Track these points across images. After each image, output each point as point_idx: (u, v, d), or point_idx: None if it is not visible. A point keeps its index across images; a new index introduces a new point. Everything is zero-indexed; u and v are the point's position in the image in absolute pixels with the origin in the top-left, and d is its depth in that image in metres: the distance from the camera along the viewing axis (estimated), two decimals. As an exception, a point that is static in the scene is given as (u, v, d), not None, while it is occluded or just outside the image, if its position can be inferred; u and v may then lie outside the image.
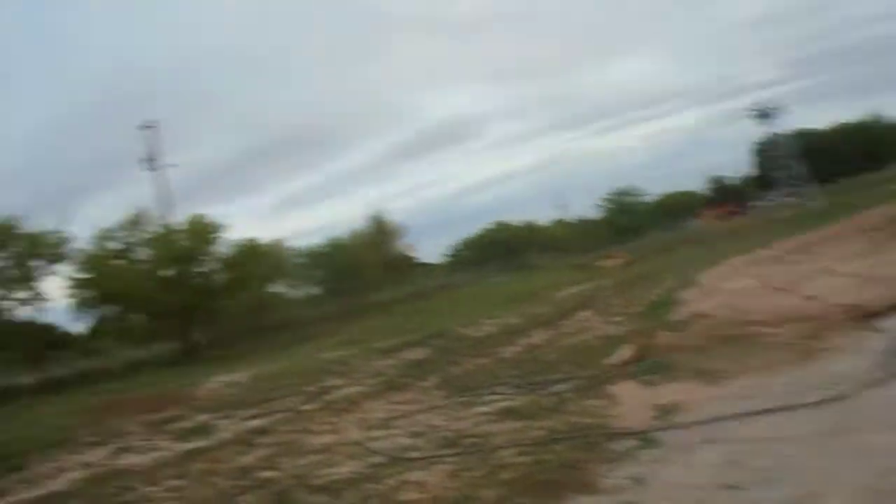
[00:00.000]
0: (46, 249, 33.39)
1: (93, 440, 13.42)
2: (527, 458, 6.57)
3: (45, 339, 36.84)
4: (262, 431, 10.99)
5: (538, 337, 14.26)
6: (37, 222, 33.83)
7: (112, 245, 35.68)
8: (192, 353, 33.34)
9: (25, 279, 32.83)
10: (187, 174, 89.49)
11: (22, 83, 78.21)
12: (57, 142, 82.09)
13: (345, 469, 7.64)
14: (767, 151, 66.81)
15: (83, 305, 34.60)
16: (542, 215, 79.48)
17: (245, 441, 10.50)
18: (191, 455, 10.52)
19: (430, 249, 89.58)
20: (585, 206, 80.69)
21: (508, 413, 8.56)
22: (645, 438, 6.72)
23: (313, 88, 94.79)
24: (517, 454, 6.80)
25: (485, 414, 8.87)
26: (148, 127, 45.62)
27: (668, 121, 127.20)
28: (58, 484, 10.37)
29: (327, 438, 9.47)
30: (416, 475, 6.82)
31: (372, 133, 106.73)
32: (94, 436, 13.81)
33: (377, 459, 7.73)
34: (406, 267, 58.73)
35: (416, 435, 8.53)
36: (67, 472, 11.13)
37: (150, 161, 45.27)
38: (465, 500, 5.82)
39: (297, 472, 7.92)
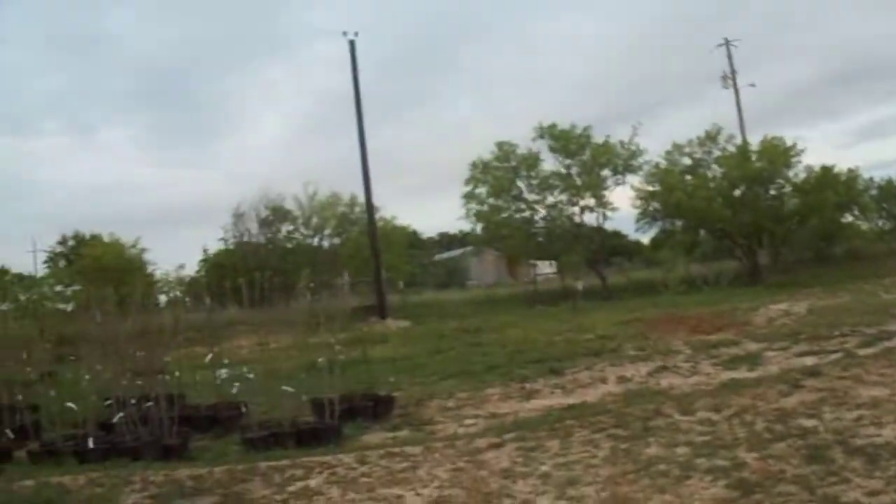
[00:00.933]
0: (617, 159, 35.37)
1: (636, 354, 13.91)
2: None
3: (609, 246, 39.41)
4: (810, 372, 10.39)
5: None
6: (609, 132, 35.93)
7: (683, 160, 36.76)
8: (754, 276, 33.54)
9: (594, 187, 35.22)
10: (765, 94, 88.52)
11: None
12: (633, 54, 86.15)
13: (889, 431, 7.02)
14: None
15: (648, 217, 36.23)
16: None
17: (791, 380, 10.00)
18: (731, 386, 10.39)
19: None
20: None
21: None
22: None
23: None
24: None
25: None
26: (727, 44, 45.44)
27: None
28: (591, 395, 10.84)
29: (877, 391, 8.73)
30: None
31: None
32: (638, 349, 14.34)
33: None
34: None
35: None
36: (604, 384, 11.60)
37: (728, 79, 45.12)
38: None
39: (837, 427, 7.42)
